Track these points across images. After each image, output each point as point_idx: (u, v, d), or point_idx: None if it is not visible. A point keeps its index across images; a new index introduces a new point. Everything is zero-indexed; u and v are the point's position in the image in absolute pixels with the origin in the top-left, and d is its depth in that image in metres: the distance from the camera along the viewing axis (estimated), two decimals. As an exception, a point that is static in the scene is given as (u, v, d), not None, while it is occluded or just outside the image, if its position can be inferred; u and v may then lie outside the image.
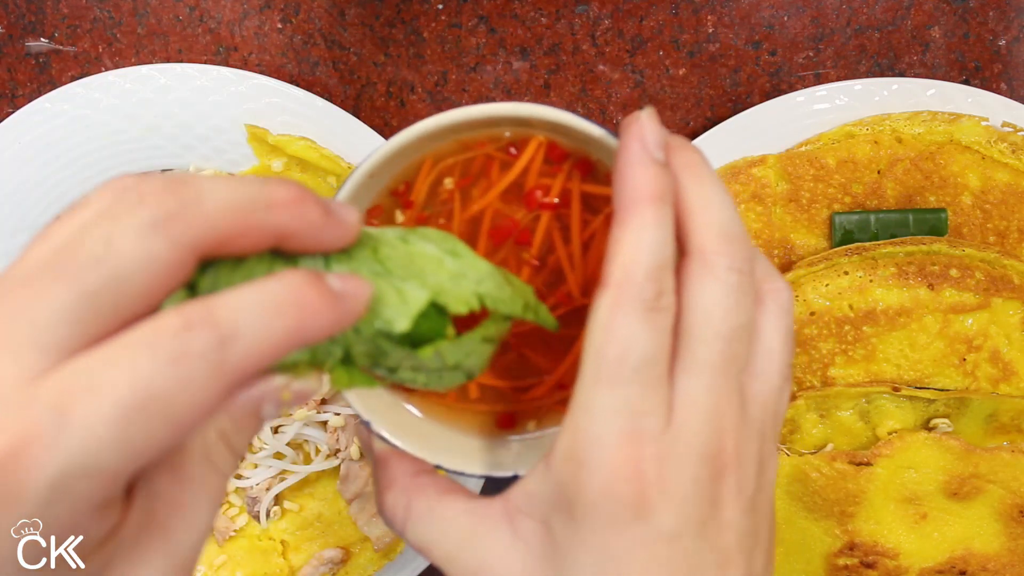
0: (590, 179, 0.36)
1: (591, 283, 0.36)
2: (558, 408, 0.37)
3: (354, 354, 0.29)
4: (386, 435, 0.35)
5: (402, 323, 0.28)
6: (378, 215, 0.37)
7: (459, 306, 0.30)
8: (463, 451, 0.36)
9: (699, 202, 0.30)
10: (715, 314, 0.29)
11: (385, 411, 0.36)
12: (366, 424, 0.35)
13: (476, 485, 0.59)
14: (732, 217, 0.30)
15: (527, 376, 0.38)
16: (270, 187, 0.27)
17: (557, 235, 0.36)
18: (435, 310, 0.30)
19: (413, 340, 0.30)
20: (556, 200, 0.36)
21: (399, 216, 0.38)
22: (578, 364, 0.29)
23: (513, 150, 0.37)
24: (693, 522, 0.29)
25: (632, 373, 0.28)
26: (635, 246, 0.29)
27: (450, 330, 0.30)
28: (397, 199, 0.37)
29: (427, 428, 0.37)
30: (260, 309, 0.25)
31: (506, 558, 0.31)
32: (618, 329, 0.28)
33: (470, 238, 0.37)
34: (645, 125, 0.30)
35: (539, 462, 0.31)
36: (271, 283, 0.25)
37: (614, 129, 0.41)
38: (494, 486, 0.41)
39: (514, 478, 0.34)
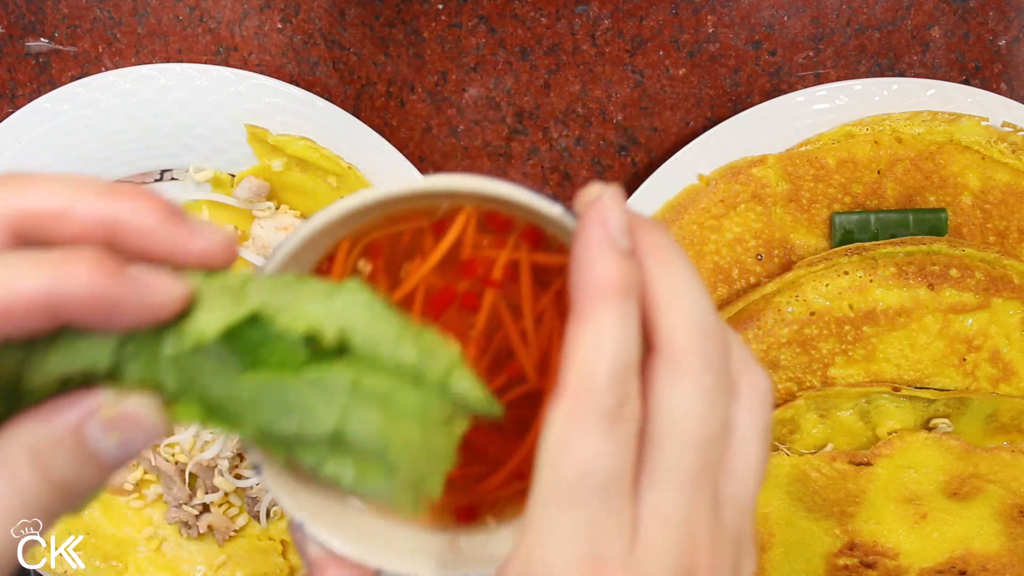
0: (541, 247, 0.32)
1: (547, 361, 0.32)
2: (518, 498, 0.33)
3: (212, 396, 0.25)
4: (322, 537, 0.30)
5: (209, 329, 0.24)
6: None
7: (294, 323, 0.24)
8: (409, 549, 0.32)
9: (668, 292, 0.27)
10: (687, 421, 0.26)
11: (321, 505, 0.31)
12: (299, 525, 0.30)
13: None
14: (705, 308, 0.27)
15: (477, 463, 0.34)
16: (110, 182, 0.25)
17: (505, 311, 0.32)
18: (291, 340, 0.25)
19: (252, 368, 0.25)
20: (502, 275, 0.32)
21: None
22: (535, 451, 0.26)
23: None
24: None
25: (591, 493, 0.25)
26: (595, 348, 0.25)
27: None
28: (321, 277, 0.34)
29: (371, 523, 0.32)
30: (15, 260, 0.23)
31: None
32: (576, 445, 0.25)
33: None
34: (607, 207, 0.27)
35: None
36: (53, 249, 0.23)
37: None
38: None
39: None
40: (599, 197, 0.27)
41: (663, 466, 0.26)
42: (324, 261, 0.32)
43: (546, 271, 0.32)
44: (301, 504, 0.30)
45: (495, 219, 0.32)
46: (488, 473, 0.33)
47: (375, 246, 0.32)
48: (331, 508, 0.31)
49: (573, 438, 0.25)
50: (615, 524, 0.26)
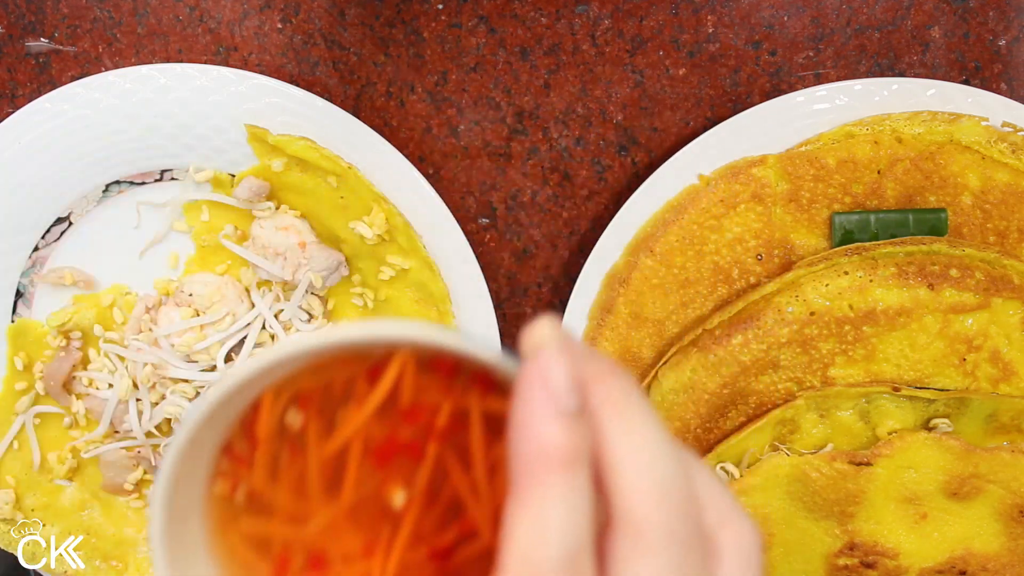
0: (493, 391, 0.29)
1: (502, 514, 0.29)
2: None
3: None
4: None
5: None
6: (235, 456, 0.30)
7: None
8: None
9: (625, 453, 0.23)
10: None
11: None
12: None
13: None
14: (668, 468, 0.23)
15: None
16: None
17: (453, 462, 0.29)
18: None
19: None
20: (448, 422, 0.29)
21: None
22: None
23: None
24: None
25: None
26: (538, 531, 0.22)
27: None
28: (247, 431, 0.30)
29: None
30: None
31: None
32: None
33: (335, 474, 0.29)
34: (549, 362, 0.24)
35: None
36: None
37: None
38: None
39: None
40: (540, 349, 0.24)
41: None
42: (249, 412, 0.30)
43: (500, 416, 0.28)
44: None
45: (440, 361, 0.29)
46: None
47: (304, 394, 0.29)
48: None
49: None
50: None
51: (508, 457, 0.23)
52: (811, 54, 0.62)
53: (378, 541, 0.28)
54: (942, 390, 0.58)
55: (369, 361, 0.29)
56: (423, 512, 0.29)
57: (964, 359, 0.57)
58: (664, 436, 0.24)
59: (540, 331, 0.25)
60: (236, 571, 0.30)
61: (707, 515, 0.25)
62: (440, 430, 0.29)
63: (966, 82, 0.62)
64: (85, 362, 0.65)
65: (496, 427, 0.28)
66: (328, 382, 0.29)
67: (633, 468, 0.23)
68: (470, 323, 0.63)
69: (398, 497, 0.29)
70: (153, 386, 0.63)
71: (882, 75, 0.62)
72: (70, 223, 0.64)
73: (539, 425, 0.23)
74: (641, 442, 0.24)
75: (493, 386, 0.28)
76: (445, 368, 0.29)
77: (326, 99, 0.61)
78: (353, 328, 0.26)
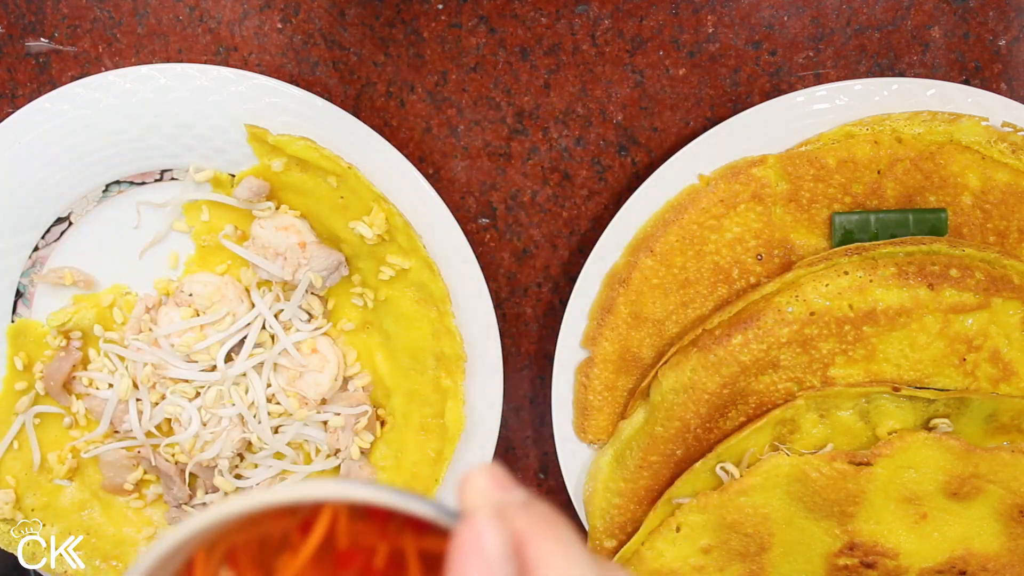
0: (427, 532, 0.29)
1: None
2: None
3: None
4: None
5: None
6: None
7: None
8: None
9: None
10: None
11: None
12: None
13: None
14: None
15: None
16: None
17: None
18: None
19: None
20: (386, 562, 0.29)
21: None
22: None
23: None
24: None
25: None
26: None
27: None
28: None
29: None
30: None
31: None
32: None
33: None
34: (483, 529, 0.24)
35: None
36: None
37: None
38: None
39: None
40: (473, 513, 0.24)
41: None
42: (183, 570, 0.30)
43: (436, 555, 0.28)
44: None
45: (373, 511, 0.29)
46: None
47: (236, 550, 0.30)
48: None
49: None
50: None
51: None
52: (811, 54, 0.62)
53: None
54: (942, 390, 0.58)
55: (300, 515, 0.29)
56: None
57: (964, 359, 0.57)
58: None
59: (473, 487, 0.25)
60: None
61: None
62: (379, 569, 0.29)
63: (966, 82, 0.62)
64: (85, 362, 0.65)
65: (434, 564, 0.28)
66: (262, 535, 0.30)
67: None
68: (470, 323, 0.63)
69: None
70: (153, 386, 0.63)
71: (882, 75, 0.62)
72: (70, 223, 0.64)
73: None
74: None
75: (426, 526, 0.28)
76: (378, 513, 0.29)
77: (326, 99, 0.61)
78: (280, 491, 0.27)
